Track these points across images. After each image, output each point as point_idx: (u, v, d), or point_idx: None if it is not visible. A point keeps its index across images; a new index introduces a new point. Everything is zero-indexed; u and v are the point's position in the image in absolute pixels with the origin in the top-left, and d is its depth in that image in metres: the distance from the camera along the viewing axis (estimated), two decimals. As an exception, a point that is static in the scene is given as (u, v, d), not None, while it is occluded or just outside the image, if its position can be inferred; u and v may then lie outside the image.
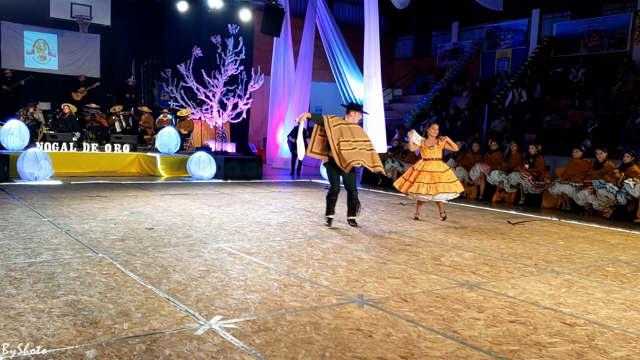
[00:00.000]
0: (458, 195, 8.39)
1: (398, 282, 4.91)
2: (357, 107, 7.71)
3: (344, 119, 7.45)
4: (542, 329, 3.88)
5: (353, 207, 7.67)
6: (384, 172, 7.95)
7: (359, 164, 7.36)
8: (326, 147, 7.39)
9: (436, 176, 8.17)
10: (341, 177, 7.51)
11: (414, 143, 8.38)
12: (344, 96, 21.26)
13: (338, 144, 7.22)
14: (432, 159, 8.31)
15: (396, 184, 8.63)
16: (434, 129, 8.37)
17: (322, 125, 7.37)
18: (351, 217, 7.72)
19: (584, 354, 3.48)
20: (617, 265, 6.05)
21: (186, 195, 10.13)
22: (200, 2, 16.69)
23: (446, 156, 12.86)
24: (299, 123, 7.58)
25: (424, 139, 8.44)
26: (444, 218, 8.60)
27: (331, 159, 7.42)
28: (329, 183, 7.70)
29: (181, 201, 9.34)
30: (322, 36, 20.32)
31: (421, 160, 8.42)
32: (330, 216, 7.63)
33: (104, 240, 6.02)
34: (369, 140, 7.57)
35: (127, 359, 3.09)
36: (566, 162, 11.20)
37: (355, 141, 7.33)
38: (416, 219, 8.60)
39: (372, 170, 7.59)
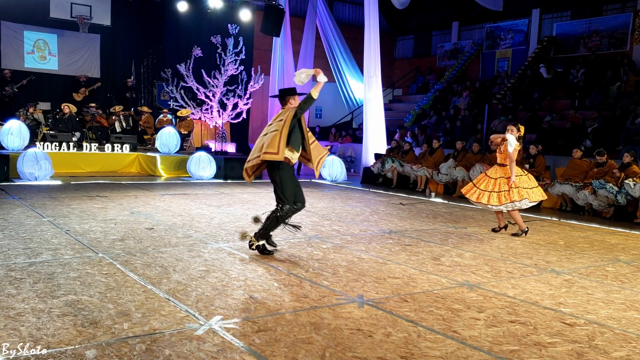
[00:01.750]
0: (530, 205, 7.36)
1: (398, 282, 4.91)
2: (289, 91, 5.81)
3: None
4: (542, 329, 3.88)
5: (274, 225, 5.71)
6: (269, 157, 5.48)
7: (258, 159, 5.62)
8: (295, 145, 5.68)
9: (502, 184, 7.28)
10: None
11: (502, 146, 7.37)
12: (344, 96, 21.28)
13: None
14: (501, 164, 7.48)
15: (463, 190, 7.81)
16: (510, 130, 7.31)
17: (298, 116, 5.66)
18: (261, 243, 5.73)
19: (584, 354, 3.48)
20: (617, 265, 6.05)
21: (186, 195, 10.12)
22: (200, 2, 16.68)
23: (446, 156, 12.86)
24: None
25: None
26: (499, 229, 7.72)
27: (283, 165, 5.65)
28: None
29: (181, 201, 9.34)
30: (322, 36, 20.34)
31: (496, 165, 7.62)
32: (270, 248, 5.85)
33: (104, 240, 6.02)
34: (276, 129, 5.57)
35: (127, 359, 3.09)
36: (566, 162, 11.20)
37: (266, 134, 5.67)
38: (501, 229, 7.69)
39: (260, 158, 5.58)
